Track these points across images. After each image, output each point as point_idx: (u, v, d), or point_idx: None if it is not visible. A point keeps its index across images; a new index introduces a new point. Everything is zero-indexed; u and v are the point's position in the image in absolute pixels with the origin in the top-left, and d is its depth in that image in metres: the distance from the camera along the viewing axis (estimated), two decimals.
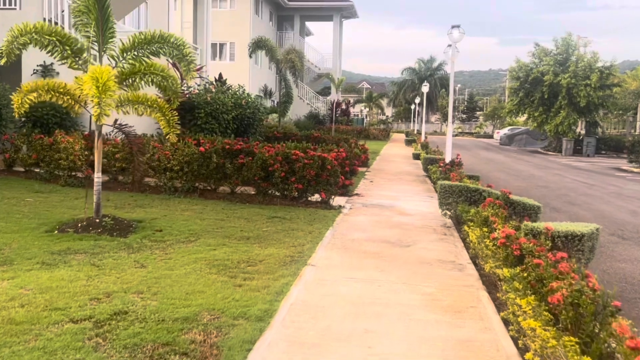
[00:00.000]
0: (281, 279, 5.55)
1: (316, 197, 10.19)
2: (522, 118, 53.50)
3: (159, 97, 7.77)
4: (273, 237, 7.37)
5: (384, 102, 79.94)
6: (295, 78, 23.03)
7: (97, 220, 6.96)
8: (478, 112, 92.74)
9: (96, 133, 6.90)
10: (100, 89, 5.92)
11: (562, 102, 37.43)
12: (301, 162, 9.92)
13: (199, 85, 13.90)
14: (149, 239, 6.77)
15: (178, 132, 7.18)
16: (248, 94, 15.49)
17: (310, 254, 6.66)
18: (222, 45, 38.78)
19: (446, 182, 9.01)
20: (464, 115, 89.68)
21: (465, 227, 7.62)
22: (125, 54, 6.88)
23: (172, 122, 6.90)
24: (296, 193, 10.08)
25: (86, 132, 12.10)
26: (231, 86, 15.66)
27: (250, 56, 22.07)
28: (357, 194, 12.23)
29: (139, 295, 4.82)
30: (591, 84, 36.02)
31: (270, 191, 10.24)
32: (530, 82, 38.83)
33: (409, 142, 38.26)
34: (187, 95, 13.50)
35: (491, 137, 66.73)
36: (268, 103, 38.74)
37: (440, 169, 14.15)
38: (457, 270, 6.39)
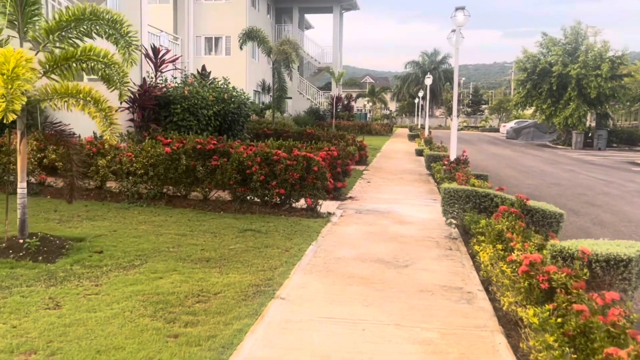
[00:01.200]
0: (235, 323, 4.23)
1: (302, 202, 8.87)
2: (528, 111, 51.92)
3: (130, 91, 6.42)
4: (240, 257, 6.04)
5: (387, 96, 78.61)
6: (289, 70, 21.66)
7: (21, 241, 5.66)
8: (483, 106, 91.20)
9: (18, 133, 5.58)
10: (5, 77, 4.62)
11: (571, 94, 35.90)
12: (283, 163, 8.60)
13: (175, 78, 12.60)
14: (82, 265, 5.46)
15: (120, 131, 5.86)
16: (233, 87, 14.15)
17: (282, 280, 5.34)
18: (217, 39, 37.43)
19: (451, 185, 7.66)
20: (469, 109, 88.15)
21: (474, 244, 6.27)
22: (50, 36, 5.57)
23: (110, 119, 5.57)
24: (278, 199, 8.76)
25: (47, 132, 10.80)
26: (215, 79, 14.34)
27: (241, 48, 20.70)
28: (350, 198, 10.89)
29: (28, 357, 3.51)
30: (602, 74, 34.46)
31: (248, 197, 8.92)
32: (538, 73, 37.28)
33: (412, 137, 36.85)
34: (163, 89, 12.18)
35: (497, 130, 65.13)
36: (267, 99, 37.45)
37: (444, 167, 12.80)
38: (466, 301, 5.05)
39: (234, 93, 13.80)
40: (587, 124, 38.87)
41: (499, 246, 5.60)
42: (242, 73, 36.42)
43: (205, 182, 8.94)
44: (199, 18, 36.68)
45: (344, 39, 50.02)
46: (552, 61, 36.44)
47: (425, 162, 16.48)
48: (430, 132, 34.78)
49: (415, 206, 10.28)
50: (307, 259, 6.20)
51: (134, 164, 8.90)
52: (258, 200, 8.90)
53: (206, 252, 6.14)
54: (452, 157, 12.79)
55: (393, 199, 10.98)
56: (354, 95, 59.33)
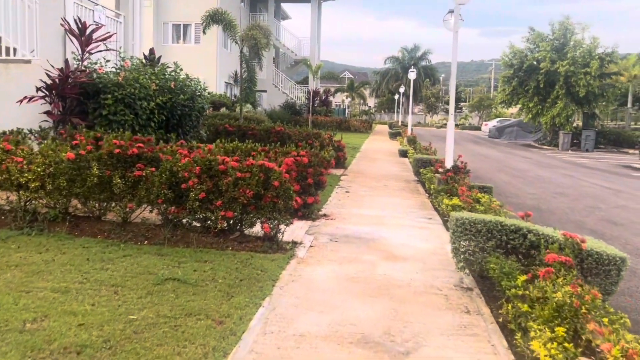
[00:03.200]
0: None
1: (257, 228, 6.54)
2: (511, 109, 50.39)
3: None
4: (138, 342, 3.69)
5: (366, 92, 76.58)
6: (259, 59, 19.26)
7: None
8: (462, 103, 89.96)
9: None
10: None
11: (559, 92, 34.24)
12: (232, 175, 6.26)
13: (108, 62, 10.14)
14: None
15: None
16: (187, 75, 11.73)
17: None
18: (186, 27, 34.69)
19: (464, 214, 5.40)
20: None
21: (512, 320, 4.04)
22: None
23: None
24: (225, 224, 6.41)
25: None
26: (164, 65, 11.87)
27: (204, 32, 18.21)
28: (324, 216, 8.60)
29: None
30: (591, 72, 32.85)
31: (185, 220, 6.56)
32: (525, 69, 35.52)
33: (393, 135, 34.80)
34: (93, 74, 9.68)
35: (477, 129, 63.64)
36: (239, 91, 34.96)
37: (438, 175, 10.62)
38: None
39: (186, 82, 11.38)
40: (574, 123, 37.33)
41: (560, 330, 3.40)
42: (212, 63, 33.87)
43: (125, 200, 6.55)
44: (166, 3, 33.93)
45: (322, 32, 47.74)
46: (540, 57, 34.72)
47: (413, 166, 14.30)
48: (412, 131, 32.69)
49: (407, 228, 8.05)
50: (251, 340, 3.89)
51: (25, 174, 6.44)
52: (198, 224, 6.55)
53: (84, 332, 3.77)
54: (448, 164, 10.60)
55: (378, 217, 8.73)
56: (332, 90, 57.03)
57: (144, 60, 12.32)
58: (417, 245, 6.96)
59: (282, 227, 6.46)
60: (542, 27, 36.73)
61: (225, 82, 35.45)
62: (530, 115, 36.68)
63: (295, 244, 6.63)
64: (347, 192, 11.21)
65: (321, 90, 46.73)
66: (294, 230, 7.31)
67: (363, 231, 7.64)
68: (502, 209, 7.57)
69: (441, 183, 10.14)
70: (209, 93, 31.42)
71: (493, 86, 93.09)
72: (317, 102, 42.65)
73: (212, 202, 6.34)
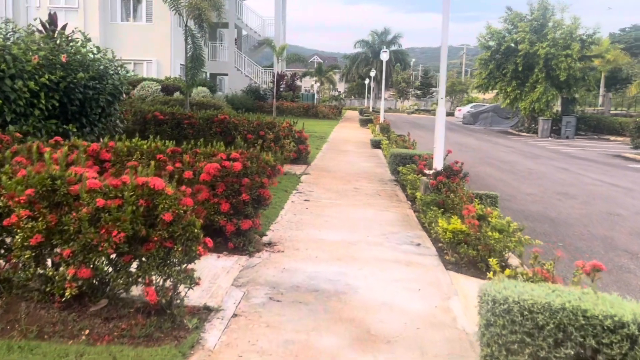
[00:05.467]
0: None
1: (138, 291, 3.84)
2: (486, 95, 48.43)
3: None
4: None
5: (336, 76, 73.97)
6: (203, 32, 16.34)
7: None
8: (433, 89, 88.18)
9: None
10: None
11: (538, 76, 32.21)
12: (89, 204, 3.55)
13: None
14: None
15: None
16: (98, 48, 8.85)
17: None
18: (136, 3, 31.05)
19: (508, 291, 2.82)
20: (419, 92, 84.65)
21: None
22: None
23: None
24: (76, 289, 3.68)
25: None
26: (63, 34, 8.94)
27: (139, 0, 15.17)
28: (269, 245, 5.97)
29: None
30: (572, 54, 30.88)
31: (16, 279, 3.84)
32: (503, 52, 33.35)
33: (364, 122, 32.24)
34: None
35: (450, 114, 61.48)
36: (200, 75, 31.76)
37: (424, 179, 8.09)
38: None
39: (91, 54, 8.52)
40: (553, 109, 35.48)
41: None
42: (166, 44, 30.65)
43: None
44: None
45: (292, 17, 44.85)
46: (519, 39, 32.55)
47: (389, 163, 11.73)
48: (384, 117, 30.19)
49: (388, 265, 5.48)
50: None
51: None
52: (36, 287, 3.83)
53: None
54: (438, 164, 8.07)
55: (346, 246, 6.14)
56: (300, 73, 54.08)
57: (41, 29, 9.38)
58: (406, 306, 4.39)
59: (181, 289, 3.80)
60: (518, 9, 34.38)
61: (181, 65, 32.23)
62: (508, 101, 34.63)
63: (207, 311, 4.00)
64: (306, 200, 8.58)
65: (288, 74, 43.87)
66: (215, 277, 4.69)
67: (323, 275, 5.03)
68: (529, 238, 5.09)
69: (429, 190, 7.62)
70: (167, 78, 28.29)
71: (464, 71, 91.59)
72: (283, 86, 39.82)
73: (56, 252, 3.64)
